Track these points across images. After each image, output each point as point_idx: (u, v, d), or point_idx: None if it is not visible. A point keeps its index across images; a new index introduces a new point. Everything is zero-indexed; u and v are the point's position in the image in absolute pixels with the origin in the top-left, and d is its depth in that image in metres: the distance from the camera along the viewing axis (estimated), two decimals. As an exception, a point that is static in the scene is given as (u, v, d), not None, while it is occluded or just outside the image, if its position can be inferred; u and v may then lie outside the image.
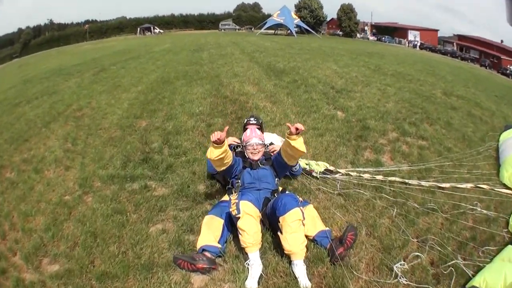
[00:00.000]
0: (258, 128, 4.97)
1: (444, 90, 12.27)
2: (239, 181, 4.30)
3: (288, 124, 3.84)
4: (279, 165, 4.36)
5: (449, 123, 8.27)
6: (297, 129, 3.73)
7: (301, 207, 3.41)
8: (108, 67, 17.16)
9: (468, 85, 15.25)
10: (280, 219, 3.36)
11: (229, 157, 3.92)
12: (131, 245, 3.81)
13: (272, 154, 4.68)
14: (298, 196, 3.82)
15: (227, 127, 3.96)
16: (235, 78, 12.06)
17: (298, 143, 3.83)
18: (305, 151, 4.03)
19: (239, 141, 5.03)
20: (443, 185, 5.08)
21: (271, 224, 3.81)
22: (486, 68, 43.63)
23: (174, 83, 11.86)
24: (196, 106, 8.96)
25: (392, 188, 4.95)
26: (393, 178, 5.18)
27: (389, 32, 65.31)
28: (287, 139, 3.85)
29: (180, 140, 6.82)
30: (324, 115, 8.27)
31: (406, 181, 5.13)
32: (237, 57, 17.10)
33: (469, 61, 47.18)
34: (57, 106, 10.39)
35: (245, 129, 5.07)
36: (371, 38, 65.02)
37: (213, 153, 3.65)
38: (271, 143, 5.19)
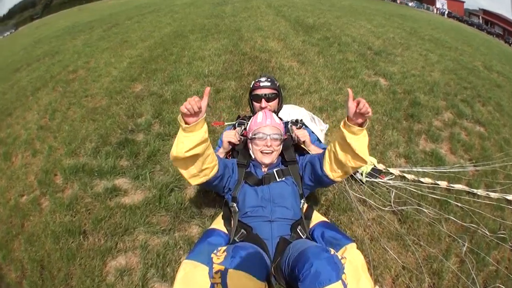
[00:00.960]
0: (274, 100, 3.29)
1: (483, 63, 10.79)
2: (235, 204, 2.63)
3: (349, 90, 2.32)
4: (313, 177, 2.65)
5: (500, 104, 6.96)
6: (360, 110, 2.17)
7: (342, 277, 1.86)
8: (123, 22, 15.66)
9: (502, 61, 13.38)
10: None
11: (212, 160, 2.34)
12: None
13: (298, 143, 3.00)
14: (342, 241, 2.36)
15: (208, 88, 2.29)
16: (258, 32, 10.37)
17: (359, 142, 2.25)
18: (367, 160, 2.33)
19: (240, 138, 3.11)
20: (511, 197, 3.98)
21: (288, 285, 2.27)
22: (510, 45, 40.83)
23: (188, 37, 10.24)
24: (207, 64, 7.33)
25: (459, 204, 3.73)
26: (459, 186, 4.01)
27: None
28: (342, 128, 2.27)
29: (175, 111, 5.29)
30: (364, 82, 6.83)
31: (475, 191, 3.97)
32: (262, 11, 14.84)
33: (494, 35, 45.42)
34: (53, 69, 9.34)
35: (251, 98, 3.34)
36: (399, 1, 62.25)
37: (180, 144, 2.15)
38: (296, 123, 3.33)
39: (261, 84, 3.25)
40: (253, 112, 3.34)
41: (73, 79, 8.03)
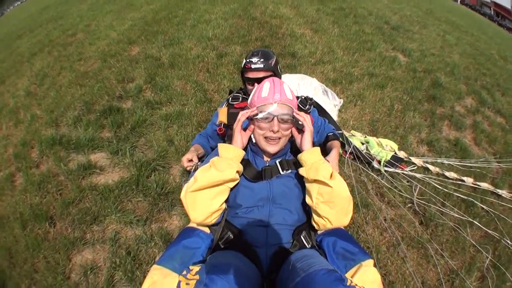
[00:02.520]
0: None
1: (498, 52, 9.96)
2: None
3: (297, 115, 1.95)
4: None
5: None
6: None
7: None
8: (133, -16, 14.96)
9: None
10: None
11: (223, 207, 1.88)
12: None
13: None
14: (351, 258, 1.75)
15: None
16: None
17: (310, 189, 1.81)
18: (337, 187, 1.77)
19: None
20: None
21: None
22: None
23: (196, 0, 9.53)
24: (212, 28, 6.71)
25: (484, 207, 3.21)
26: (485, 186, 3.47)
27: None
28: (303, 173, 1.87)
29: (170, 77, 4.72)
30: (382, 56, 6.15)
31: (500, 192, 3.44)
32: None
33: (505, 28, 42.47)
34: (53, 33, 8.84)
35: (244, 83, 2.76)
36: None
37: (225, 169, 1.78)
38: (305, 102, 2.71)
39: (253, 66, 2.59)
40: (247, 93, 2.73)
41: (71, 42, 7.53)
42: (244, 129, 1.98)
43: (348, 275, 1.66)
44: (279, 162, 2.01)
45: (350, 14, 8.70)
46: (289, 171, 1.98)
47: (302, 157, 1.82)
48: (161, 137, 3.52)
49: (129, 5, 10.09)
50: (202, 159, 2.45)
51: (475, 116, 4.98)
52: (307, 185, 1.79)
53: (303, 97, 2.68)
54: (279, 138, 1.92)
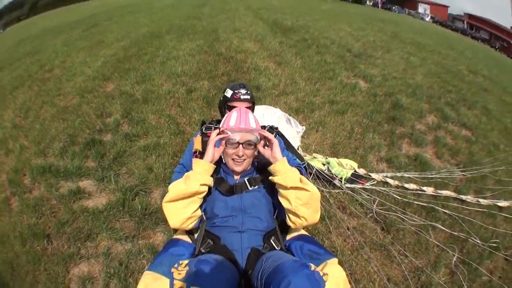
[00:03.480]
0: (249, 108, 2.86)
1: (468, 67, 10.52)
2: (202, 213, 2.22)
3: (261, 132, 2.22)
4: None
5: (487, 108, 6.68)
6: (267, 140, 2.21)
7: None
8: (101, 23, 15.13)
9: (488, 65, 13.24)
10: None
11: (198, 213, 2.11)
12: None
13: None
14: (320, 253, 2.02)
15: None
16: (235, 33, 9.95)
17: (286, 176, 2.04)
18: (306, 188, 2.01)
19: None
20: (502, 203, 3.69)
21: None
22: (496, 50, 40.05)
23: (163, 37, 9.78)
24: (180, 64, 6.92)
25: (447, 211, 3.42)
26: (447, 193, 3.68)
27: (399, 2, 60.18)
28: (274, 181, 2.12)
29: (145, 111, 4.92)
30: (343, 84, 6.44)
31: (463, 197, 3.66)
32: (241, 13, 14.58)
33: (479, 40, 44.56)
34: (31, 68, 8.86)
35: (226, 107, 2.92)
36: (380, 6, 59.96)
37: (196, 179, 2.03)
38: (272, 130, 2.91)
39: (242, 96, 2.82)
40: (220, 112, 2.99)
41: (49, 78, 7.58)
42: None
43: None
44: (247, 179, 2.25)
45: (312, 44, 9.09)
46: (256, 186, 2.24)
47: (275, 167, 2.03)
48: (141, 166, 3.70)
49: (100, 42, 10.30)
50: None
51: (436, 132, 5.15)
52: (283, 191, 2.01)
53: (268, 126, 2.82)
54: (244, 160, 2.18)
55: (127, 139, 4.27)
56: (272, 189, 2.25)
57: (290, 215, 2.05)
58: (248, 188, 2.23)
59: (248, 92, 2.86)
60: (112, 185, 3.45)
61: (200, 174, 2.01)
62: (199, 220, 2.10)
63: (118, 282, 2.50)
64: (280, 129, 3.61)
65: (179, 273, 1.63)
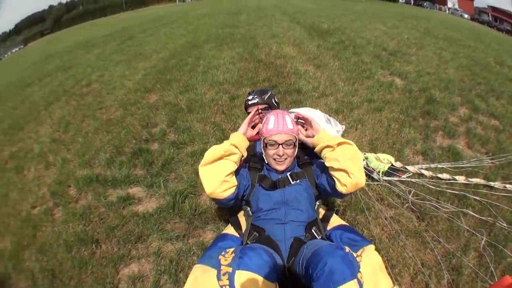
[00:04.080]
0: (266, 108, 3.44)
1: (495, 58, 10.79)
2: (248, 208, 2.69)
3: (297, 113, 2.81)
4: (324, 188, 2.58)
5: None
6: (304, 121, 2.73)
7: (358, 276, 1.79)
8: (136, 35, 16.26)
9: None
10: None
11: (233, 181, 2.47)
12: None
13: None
14: (359, 242, 2.38)
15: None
16: (273, 39, 10.66)
17: (336, 155, 2.40)
18: (357, 156, 2.43)
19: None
20: None
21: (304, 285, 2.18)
22: None
23: (202, 47, 10.43)
24: (222, 72, 7.46)
25: (477, 198, 3.74)
26: (477, 180, 4.04)
27: None
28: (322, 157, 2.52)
29: (190, 120, 5.42)
30: (380, 83, 6.98)
31: (492, 184, 4.00)
32: (277, 19, 15.46)
33: (504, 32, 45.31)
34: (66, 83, 9.71)
35: (248, 113, 3.50)
36: (413, 3, 64.19)
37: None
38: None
39: (250, 102, 3.50)
40: (253, 126, 3.43)
41: (87, 92, 8.25)
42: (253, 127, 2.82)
43: None
44: (289, 174, 2.66)
45: (349, 46, 9.59)
46: (298, 180, 2.64)
47: (318, 137, 2.48)
48: (190, 171, 4.11)
49: (138, 54, 10.99)
50: None
51: (468, 124, 5.55)
52: (330, 154, 2.37)
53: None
54: (286, 159, 2.62)
55: (174, 147, 4.72)
56: (312, 183, 2.67)
57: (340, 176, 2.32)
58: (290, 183, 2.63)
59: (255, 96, 3.51)
60: (161, 190, 3.86)
61: (231, 139, 2.50)
62: (236, 191, 2.45)
63: (168, 278, 2.82)
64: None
65: (226, 259, 1.91)
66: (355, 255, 1.89)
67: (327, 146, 2.39)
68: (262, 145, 2.76)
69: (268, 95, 3.52)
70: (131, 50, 12.19)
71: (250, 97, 3.52)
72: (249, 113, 3.36)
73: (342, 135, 4.64)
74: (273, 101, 3.51)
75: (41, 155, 5.52)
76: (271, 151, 2.63)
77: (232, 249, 2.01)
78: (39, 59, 17.28)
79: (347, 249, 1.91)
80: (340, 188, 2.33)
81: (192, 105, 5.97)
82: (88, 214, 3.73)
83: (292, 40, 10.44)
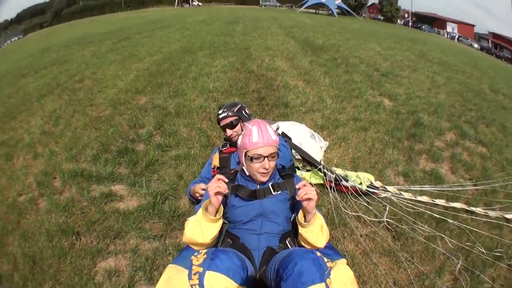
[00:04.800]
0: (237, 125, 3.49)
1: (490, 86, 11.09)
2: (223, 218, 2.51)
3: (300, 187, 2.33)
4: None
5: (504, 126, 7.05)
6: (301, 197, 2.28)
7: (327, 281, 1.84)
8: (132, 36, 16.24)
9: (510, 84, 13.38)
10: None
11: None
12: None
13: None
14: (328, 248, 2.40)
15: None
16: (267, 52, 10.82)
17: (309, 234, 2.36)
18: (321, 246, 2.37)
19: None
20: (510, 215, 4.00)
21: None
22: None
23: (196, 54, 10.52)
24: (212, 80, 7.56)
25: (455, 223, 3.73)
26: (457, 205, 4.03)
27: (429, 21, 63.68)
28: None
29: (177, 124, 5.51)
30: (368, 102, 7.07)
31: (473, 209, 4.01)
32: (273, 31, 15.81)
33: (503, 59, 45.62)
34: (60, 77, 9.65)
35: (222, 127, 3.60)
36: (411, 25, 63.83)
37: (207, 232, 2.29)
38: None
39: (221, 116, 3.48)
40: (229, 139, 3.51)
41: (79, 88, 8.25)
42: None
43: None
44: (271, 185, 2.57)
45: (342, 63, 9.77)
46: (279, 192, 2.56)
47: (307, 221, 2.29)
48: (172, 173, 4.18)
49: (132, 55, 11.05)
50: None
51: (454, 149, 5.57)
52: (304, 233, 2.31)
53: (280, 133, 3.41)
54: (269, 171, 2.50)
55: (159, 149, 4.79)
56: (292, 195, 2.60)
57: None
58: (271, 193, 2.55)
59: (225, 110, 3.47)
60: (143, 189, 3.91)
61: (209, 229, 2.26)
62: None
63: (143, 274, 2.83)
64: (304, 143, 4.21)
65: (197, 260, 1.96)
66: (325, 260, 1.96)
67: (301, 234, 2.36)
68: (243, 158, 2.56)
69: (238, 107, 3.52)
70: (126, 51, 12.22)
71: (220, 111, 3.51)
72: (222, 127, 3.49)
73: (325, 151, 4.76)
74: (244, 112, 3.52)
75: (30, 145, 5.54)
76: (257, 164, 2.46)
77: (205, 251, 2.06)
78: (36, 51, 17.18)
79: (319, 253, 1.98)
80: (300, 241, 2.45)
81: (180, 110, 6.03)
82: (70, 206, 3.76)
83: (285, 53, 10.59)
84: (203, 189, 3.18)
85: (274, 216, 2.50)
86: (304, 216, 2.33)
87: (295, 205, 2.59)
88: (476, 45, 52.60)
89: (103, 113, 6.35)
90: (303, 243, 2.39)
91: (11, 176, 4.76)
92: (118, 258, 3.10)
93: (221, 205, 2.31)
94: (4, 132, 6.42)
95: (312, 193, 2.22)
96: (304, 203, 2.24)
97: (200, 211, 2.29)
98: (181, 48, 11.72)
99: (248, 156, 2.47)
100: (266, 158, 2.44)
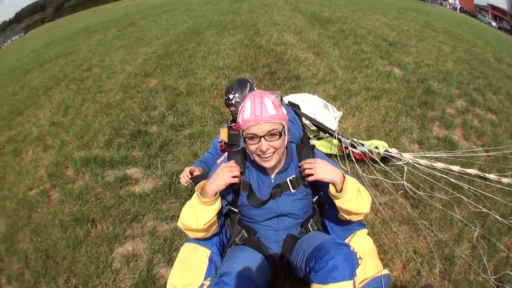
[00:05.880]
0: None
1: (494, 55, 10.89)
2: (234, 208, 2.35)
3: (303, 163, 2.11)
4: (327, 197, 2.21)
5: (510, 94, 6.96)
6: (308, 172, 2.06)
7: (354, 278, 1.78)
8: (138, 22, 16.29)
9: (511, 54, 13.24)
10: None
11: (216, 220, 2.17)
12: (83, 280, 2.76)
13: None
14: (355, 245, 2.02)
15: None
16: (274, 27, 10.74)
17: (347, 203, 2.05)
18: (366, 212, 2.14)
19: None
20: None
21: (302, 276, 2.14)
22: None
23: (203, 34, 10.49)
24: (222, 58, 7.51)
25: (471, 188, 3.67)
26: (472, 171, 3.96)
27: None
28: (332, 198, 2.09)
29: (189, 103, 5.47)
30: (378, 72, 7.06)
31: (487, 175, 3.94)
32: (279, 7, 15.37)
33: (503, 30, 45.26)
34: (66, 68, 9.68)
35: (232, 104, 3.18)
36: None
37: (200, 217, 2.03)
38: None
39: (232, 101, 3.13)
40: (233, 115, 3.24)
41: (87, 77, 8.25)
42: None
43: (346, 241, 2.18)
44: (290, 181, 2.19)
45: (350, 35, 9.66)
46: (298, 188, 2.20)
47: (343, 190, 1.99)
48: (187, 152, 4.13)
49: (139, 40, 10.99)
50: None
51: (465, 116, 5.59)
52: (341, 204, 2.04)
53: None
54: (273, 152, 1.99)
55: (172, 129, 4.76)
56: (312, 189, 2.29)
57: (343, 217, 2.18)
58: (290, 190, 2.20)
59: (236, 95, 3.10)
60: (158, 171, 3.88)
61: (203, 213, 2.03)
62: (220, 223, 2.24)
63: (162, 256, 2.84)
64: (317, 114, 4.04)
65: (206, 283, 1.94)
66: (358, 256, 1.86)
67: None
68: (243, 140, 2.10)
69: (248, 88, 3.15)
70: (133, 36, 12.21)
71: (230, 96, 3.11)
72: (231, 112, 3.21)
73: (340, 121, 4.69)
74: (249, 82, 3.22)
75: (39, 138, 5.53)
76: (253, 146, 1.99)
77: (208, 283, 2.01)
78: (39, 46, 17.30)
79: (352, 247, 1.86)
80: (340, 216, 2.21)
81: (191, 89, 6.00)
82: (84, 194, 3.75)
83: (293, 28, 10.48)
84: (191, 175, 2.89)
85: (292, 213, 2.27)
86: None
87: (318, 185, 2.23)
88: (494, 24, 52.02)
89: (113, 99, 6.34)
90: (346, 216, 2.13)
91: (20, 172, 4.78)
92: (135, 242, 3.09)
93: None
94: (11, 129, 6.45)
95: (312, 168, 2.03)
96: (311, 179, 2.03)
97: (194, 194, 2.06)
98: (188, 29, 11.66)
99: (243, 136, 2.03)
100: (262, 138, 1.94)
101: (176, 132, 4.72)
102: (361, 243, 2.14)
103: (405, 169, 3.68)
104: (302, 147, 2.32)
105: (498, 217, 3.28)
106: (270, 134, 1.93)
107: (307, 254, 1.95)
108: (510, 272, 2.73)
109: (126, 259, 2.89)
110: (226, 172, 2.01)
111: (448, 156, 4.28)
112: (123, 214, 3.34)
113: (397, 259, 2.81)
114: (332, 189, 2.02)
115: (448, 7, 56.02)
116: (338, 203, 2.03)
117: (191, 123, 4.87)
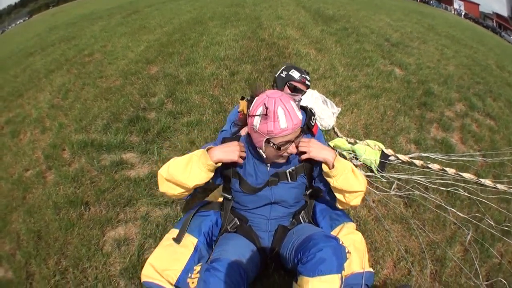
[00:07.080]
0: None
1: (496, 62, 11.03)
2: (227, 195, 2.36)
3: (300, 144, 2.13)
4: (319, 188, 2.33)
5: (510, 101, 7.05)
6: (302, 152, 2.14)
7: (342, 273, 1.78)
8: (142, 9, 15.90)
9: None
10: (303, 280, 1.81)
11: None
12: (74, 262, 2.78)
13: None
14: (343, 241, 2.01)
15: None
16: (278, 21, 10.57)
17: (340, 181, 2.07)
18: (362, 189, 2.12)
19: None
20: None
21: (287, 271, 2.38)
22: None
23: (207, 24, 10.45)
24: (224, 49, 7.49)
25: (466, 193, 3.75)
26: (467, 175, 4.06)
27: None
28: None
29: (189, 92, 5.46)
30: (379, 71, 7.08)
31: (482, 181, 4.03)
32: (283, 2, 15.28)
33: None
34: (68, 52, 9.61)
35: (288, 85, 3.13)
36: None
37: (193, 176, 2.00)
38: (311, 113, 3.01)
39: (307, 82, 3.14)
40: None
41: (89, 61, 8.22)
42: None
43: (333, 232, 2.22)
44: (289, 172, 2.20)
45: (352, 33, 9.66)
46: (296, 176, 2.22)
47: (328, 170, 2.04)
48: (184, 140, 4.13)
49: (142, 28, 10.95)
50: None
51: (463, 120, 5.63)
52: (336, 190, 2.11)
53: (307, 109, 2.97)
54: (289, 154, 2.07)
55: (171, 116, 4.76)
56: (308, 178, 2.30)
57: (340, 203, 2.19)
58: (287, 179, 2.22)
59: (308, 78, 3.16)
60: (155, 156, 3.90)
61: (198, 173, 1.99)
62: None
63: (153, 242, 2.83)
64: (316, 109, 4.10)
65: (193, 283, 1.91)
66: (346, 250, 1.91)
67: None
68: (262, 144, 1.98)
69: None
70: (136, 23, 12.15)
71: (308, 77, 3.15)
72: (294, 87, 3.11)
73: (338, 117, 4.75)
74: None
75: (38, 120, 5.50)
76: (279, 144, 1.95)
77: (198, 268, 1.97)
78: (43, 30, 17.25)
79: (341, 241, 1.90)
80: (337, 205, 2.25)
81: (192, 78, 5.99)
82: (80, 177, 3.75)
83: (296, 23, 10.43)
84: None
85: (285, 202, 2.29)
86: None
87: (314, 167, 2.27)
88: (431, 1, 54.05)
89: (113, 84, 6.32)
90: (341, 198, 2.13)
91: (17, 153, 4.72)
92: (128, 226, 3.09)
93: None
94: (10, 111, 6.41)
95: (306, 146, 2.10)
96: (304, 157, 2.12)
97: (200, 150, 2.03)
98: (191, 19, 11.61)
99: (272, 143, 1.94)
100: (293, 143, 1.99)
101: (174, 119, 4.72)
102: (349, 237, 2.18)
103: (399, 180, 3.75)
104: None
105: (491, 222, 3.33)
106: (297, 137, 1.99)
107: (296, 245, 1.96)
108: (502, 279, 2.77)
109: (117, 243, 2.90)
110: (237, 151, 2.05)
111: (444, 159, 4.36)
112: (117, 198, 3.34)
113: (388, 257, 2.85)
114: (325, 168, 2.06)
115: (453, 12, 56.29)
116: (332, 182, 2.06)
117: (189, 111, 4.87)
